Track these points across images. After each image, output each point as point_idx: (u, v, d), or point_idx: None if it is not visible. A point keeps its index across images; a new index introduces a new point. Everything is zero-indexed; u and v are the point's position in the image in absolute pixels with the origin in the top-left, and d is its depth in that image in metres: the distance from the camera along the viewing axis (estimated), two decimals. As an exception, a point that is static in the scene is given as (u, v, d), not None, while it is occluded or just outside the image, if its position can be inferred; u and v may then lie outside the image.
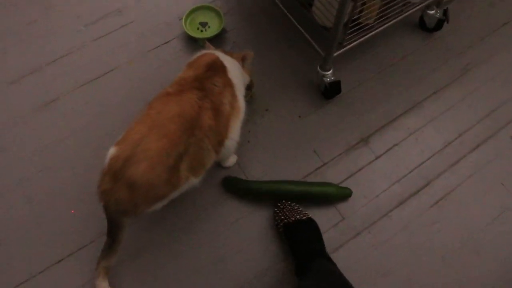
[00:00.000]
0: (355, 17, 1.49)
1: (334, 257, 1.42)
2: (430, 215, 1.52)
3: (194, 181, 1.27)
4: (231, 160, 1.56)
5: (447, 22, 1.78)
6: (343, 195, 1.52)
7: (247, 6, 1.91)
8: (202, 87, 1.25)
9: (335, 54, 1.53)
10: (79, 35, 1.82)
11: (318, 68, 1.61)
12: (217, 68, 1.32)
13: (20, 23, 1.86)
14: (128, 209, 1.16)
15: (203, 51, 1.42)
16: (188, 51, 1.78)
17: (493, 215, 1.52)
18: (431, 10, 1.75)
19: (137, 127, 1.17)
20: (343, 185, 1.54)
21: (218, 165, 1.54)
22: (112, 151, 1.15)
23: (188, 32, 1.77)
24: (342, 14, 1.33)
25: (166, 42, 1.80)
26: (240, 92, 1.38)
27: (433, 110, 1.69)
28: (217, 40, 1.80)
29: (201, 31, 1.80)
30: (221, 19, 1.81)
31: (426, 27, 1.83)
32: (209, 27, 1.81)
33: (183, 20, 1.79)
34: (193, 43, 1.80)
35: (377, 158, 1.60)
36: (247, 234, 1.47)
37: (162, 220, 1.48)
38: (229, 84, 1.32)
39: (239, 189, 1.51)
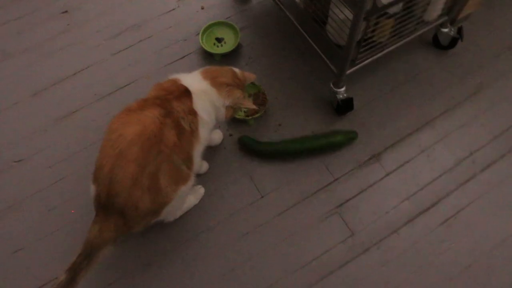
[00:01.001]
0: (368, 36, 1.52)
1: (342, 272, 1.44)
2: (439, 233, 1.52)
3: (185, 188, 1.29)
4: (203, 167, 1.59)
5: (461, 40, 1.79)
6: (350, 139, 1.64)
7: (263, 23, 1.95)
8: (164, 106, 1.23)
9: (348, 71, 1.56)
10: (99, 50, 1.89)
11: (331, 85, 1.63)
12: (179, 94, 1.29)
13: (43, 38, 1.93)
14: (125, 231, 1.21)
15: (173, 76, 1.37)
16: (205, 65, 1.82)
17: (504, 237, 1.52)
18: (445, 28, 1.76)
19: (104, 159, 1.16)
20: (353, 201, 1.56)
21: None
22: (92, 190, 1.19)
23: (205, 47, 1.82)
24: (355, 32, 1.36)
25: (182, 57, 1.85)
26: (203, 124, 1.33)
27: (445, 128, 1.70)
28: (232, 55, 1.84)
29: (217, 46, 1.85)
30: (237, 35, 1.85)
31: (440, 45, 1.84)
32: (225, 42, 1.86)
33: (200, 35, 1.84)
34: (209, 58, 1.84)
35: (387, 174, 1.61)
36: (257, 247, 1.50)
37: (170, 232, 1.52)
38: (191, 112, 1.29)
39: (253, 149, 1.62)
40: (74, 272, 1.15)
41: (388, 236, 1.52)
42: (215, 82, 1.36)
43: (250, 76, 1.49)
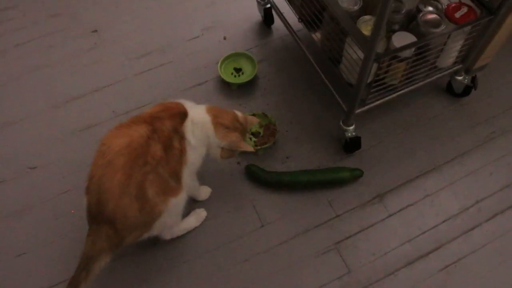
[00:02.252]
0: (379, 77, 1.55)
1: (335, 309, 1.44)
2: (437, 279, 1.50)
3: (176, 200, 1.32)
4: (204, 193, 1.64)
5: (475, 89, 1.80)
6: (356, 176, 1.67)
7: (281, 57, 2.01)
8: (152, 123, 1.28)
9: (358, 111, 1.59)
10: (123, 69, 1.97)
11: (341, 123, 1.66)
12: (174, 114, 1.34)
13: (70, 54, 2.03)
14: (117, 242, 1.23)
15: (181, 100, 1.43)
16: (221, 93, 1.89)
17: (505, 289, 1.50)
18: (459, 76, 1.78)
19: (93, 169, 1.21)
20: (353, 239, 1.56)
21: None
22: (84, 200, 1.23)
23: (222, 76, 1.88)
24: (365, 73, 1.39)
25: (200, 84, 1.92)
26: (193, 150, 1.37)
27: (453, 175, 1.70)
28: (249, 86, 1.90)
29: (235, 76, 1.91)
30: (254, 66, 1.92)
31: (454, 92, 1.86)
32: (242, 73, 1.92)
33: (219, 64, 1.91)
34: (226, 87, 1.91)
35: (390, 216, 1.61)
36: (254, 275, 1.51)
37: (168, 251, 1.55)
38: (179, 134, 1.33)
39: (259, 178, 1.66)
40: (75, 285, 1.20)
41: (385, 277, 1.50)
42: (215, 120, 1.41)
43: (253, 121, 1.55)
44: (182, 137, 1.33)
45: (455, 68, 1.70)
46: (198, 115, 1.40)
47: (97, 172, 1.20)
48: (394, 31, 1.52)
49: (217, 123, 1.41)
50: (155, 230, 1.33)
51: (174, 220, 1.41)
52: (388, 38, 1.52)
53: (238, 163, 1.72)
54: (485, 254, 1.55)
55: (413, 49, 1.49)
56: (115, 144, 1.21)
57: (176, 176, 1.33)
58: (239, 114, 1.50)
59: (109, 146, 1.22)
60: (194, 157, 1.38)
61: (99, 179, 1.19)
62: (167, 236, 1.51)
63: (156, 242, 1.54)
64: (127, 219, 1.21)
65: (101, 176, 1.19)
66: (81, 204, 1.58)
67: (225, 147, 1.42)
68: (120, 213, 1.19)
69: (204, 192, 1.64)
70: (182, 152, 1.33)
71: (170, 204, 1.30)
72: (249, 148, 1.44)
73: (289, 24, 1.85)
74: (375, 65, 1.46)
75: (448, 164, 1.72)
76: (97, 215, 1.20)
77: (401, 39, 1.48)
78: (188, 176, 1.38)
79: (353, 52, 1.50)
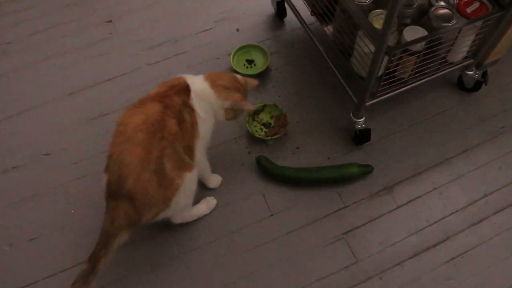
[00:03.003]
0: (390, 70, 1.57)
1: (342, 298, 1.47)
2: (444, 270, 1.52)
3: (190, 175, 1.35)
4: (215, 181, 1.66)
5: (486, 84, 1.81)
6: (366, 172, 1.68)
7: (293, 49, 2.03)
8: (163, 101, 1.32)
9: (368, 103, 1.61)
10: (136, 59, 2.00)
11: (351, 115, 1.68)
12: (180, 90, 1.38)
13: (85, 43, 2.07)
14: (136, 218, 1.26)
15: (181, 75, 1.46)
16: (232, 84, 1.91)
17: (511, 282, 1.51)
18: (470, 71, 1.79)
19: (112, 148, 1.26)
20: (361, 230, 1.59)
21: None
22: (104, 178, 1.27)
23: (235, 68, 1.91)
24: (376, 66, 1.41)
25: (212, 74, 1.94)
26: (202, 121, 1.41)
27: (461, 168, 1.71)
28: (261, 78, 1.91)
29: (247, 67, 1.93)
30: (267, 58, 1.94)
31: (464, 87, 1.87)
32: (254, 64, 1.94)
33: (231, 56, 1.93)
34: (238, 77, 1.93)
35: (398, 207, 1.63)
36: (262, 263, 1.54)
37: (179, 237, 1.58)
38: (189, 107, 1.37)
39: (268, 172, 1.67)
40: (94, 260, 1.24)
41: (392, 267, 1.52)
42: (214, 84, 1.44)
43: (253, 82, 1.56)
44: (192, 110, 1.37)
45: (465, 62, 1.71)
46: (198, 85, 1.43)
47: (116, 149, 1.24)
48: (405, 25, 1.53)
49: (216, 86, 1.44)
50: (170, 210, 1.35)
51: (188, 199, 1.43)
52: (400, 32, 1.53)
53: (249, 152, 1.74)
54: (492, 247, 1.56)
55: (424, 43, 1.50)
56: (132, 121, 1.26)
57: (190, 150, 1.37)
58: (238, 76, 1.53)
59: (126, 124, 1.26)
60: (204, 128, 1.42)
61: (119, 155, 1.22)
62: (178, 220, 1.53)
63: (166, 228, 1.57)
64: (147, 194, 1.24)
65: (120, 152, 1.22)
66: (94, 190, 1.65)
67: (228, 107, 1.46)
68: (140, 188, 1.22)
69: (215, 180, 1.67)
70: (194, 124, 1.38)
71: (186, 179, 1.34)
72: (250, 106, 1.48)
73: (301, 17, 1.86)
74: (386, 58, 1.47)
75: (457, 158, 1.73)
76: (117, 191, 1.23)
77: (412, 33, 1.49)
78: (200, 150, 1.43)
79: (364, 46, 1.52)
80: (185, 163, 1.35)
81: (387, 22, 1.25)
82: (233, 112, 1.48)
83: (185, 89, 1.40)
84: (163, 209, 1.33)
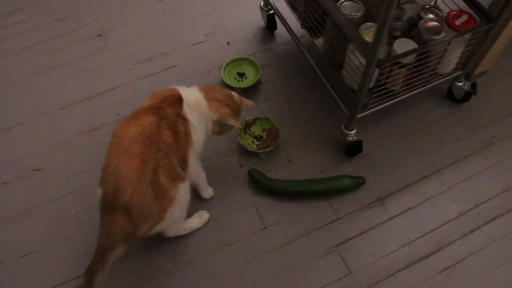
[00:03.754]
0: (381, 83, 1.58)
1: (336, 310, 1.46)
2: (437, 281, 1.52)
3: (183, 186, 1.36)
4: (209, 192, 1.66)
5: (475, 95, 1.83)
6: (358, 184, 1.68)
7: (284, 62, 2.04)
8: (157, 113, 1.33)
9: (359, 115, 1.62)
10: (127, 73, 2.00)
11: (342, 127, 1.69)
12: (172, 101, 1.39)
13: (76, 57, 2.06)
14: (131, 231, 1.25)
15: (172, 86, 1.47)
16: (224, 97, 1.91)
17: (504, 292, 1.52)
18: (460, 82, 1.81)
19: (108, 161, 1.26)
20: (354, 241, 1.59)
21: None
22: (99, 192, 1.26)
23: (226, 81, 1.91)
24: (367, 78, 1.42)
25: (204, 88, 1.94)
26: (195, 130, 1.42)
27: (452, 178, 1.72)
28: (252, 91, 1.93)
29: (238, 80, 1.94)
30: (257, 71, 1.94)
31: (454, 98, 1.89)
32: (245, 77, 1.95)
33: (222, 69, 1.94)
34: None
35: (390, 219, 1.64)
36: (255, 276, 1.53)
37: (172, 252, 1.57)
38: (182, 117, 1.39)
39: (261, 184, 1.67)
40: (91, 274, 1.23)
41: (385, 278, 1.52)
42: (208, 95, 1.47)
43: (247, 103, 1.57)
44: (184, 120, 1.39)
45: (455, 74, 1.73)
46: (191, 95, 1.45)
47: (112, 162, 1.24)
48: (395, 38, 1.55)
49: (209, 97, 1.46)
50: (165, 222, 1.34)
51: (181, 211, 1.43)
52: (390, 45, 1.55)
53: (241, 166, 1.74)
54: (485, 257, 1.57)
55: (414, 55, 1.51)
56: (128, 133, 1.27)
57: (184, 162, 1.38)
58: (234, 94, 1.55)
59: (122, 136, 1.27)
60: (198, 137, 1.44)
61: (115, 167, 1.22)
62: (171, 233, 1.53)
63: (159, 242, 1.56)
64: (143, 206, 1.23)
65: (117, 164, 1.23)
66: (85, 205, 1.64)
67: (216, 120, 1.47)
68: (137, 199, 1.22)
69: (209, 191, 1.67)
70: (187, 134, 1.39)
71: (180, 190, 1.34)
72: (237, 124, 1.49)
73: (292, 30, 1.87)
74: (376, 71, 1.49)
75: (448, 168, 1.74)
76: (113, 203, 1.22)
77: (403, 45, 1.51)
78: (193, 160, 1.44)
79: (355, 58, 1.53)
80: (178, 175, 1.35)
81: (377, 35, 1.26)
82: (219, 126, 1.49)
83: (178, 100, 1.41)
84: (158, 222, 1.32)
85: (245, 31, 2.14)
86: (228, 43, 2.10)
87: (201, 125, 1.45)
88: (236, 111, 1.52)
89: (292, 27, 1.88)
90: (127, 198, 1.21)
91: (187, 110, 1.41)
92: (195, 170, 1.50)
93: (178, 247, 1.57)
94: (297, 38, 1.85)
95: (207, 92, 1.47)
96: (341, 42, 1.63)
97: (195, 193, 1.48)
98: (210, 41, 2.11)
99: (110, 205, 1.23)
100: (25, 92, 1.95)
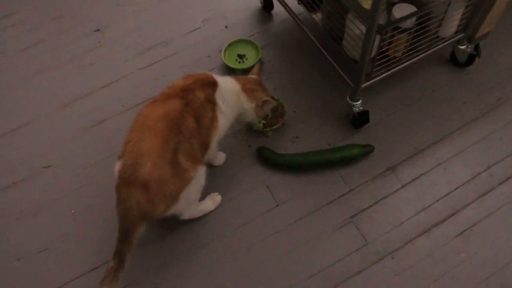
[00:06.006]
0: (382, 50, 1.57)
1: (355, 281, 1.46)
2: (455, 245, 1.52)
3: (202, 168, 1.39)
4: (220, 157, 1.71)
5: (479, 57, 1.81)
6: (367, 152, 1.68)
7: (283, 41, 2.03)
8: (185, 97, 1.36)
9: (364, 85, 1.61)
10: (127, 65, 2.00)
11: (348, 99, 1.68)
12: (205, 84, 1.44)
13: (76, 54, 2.06)
14: (148, 209, 1.26)
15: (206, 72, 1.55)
16: (226, 80, 1.91)
17: (522, 250, 1.51)
18: (462, 45, 1.79)
19: (131, 135, 1.30)
20: (368, 211, 1.58)
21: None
22: (117, 164, 1.28)
23: (227, 63, 1.91)
24: (368, 46, 1.41)
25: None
26: (223, 116, 1.48)
27: (462, 142, 1.71)
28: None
29: (239, 62, 1.93)
30: (258, 52, 1.94)
31: (458, 62, 1.87)
32: (246, 59, 1.94)
33: (223, 52, 1.93)
34: (231, 73, 1.92)
35: (403, 186, 1.63)
36: (272, 253, 1.53)
37: (187, 236, 1.57)
38: (212, 102, 1.44)
39: (270, 161, 1.68)
40: (120, 256, 1.26)
41: (403, 246, 1.52)
42: (245, 87, 1.56)
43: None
44: (214, 104, 1.44)
45: (457, 37, 1.71)
46: (228, 83, 1.54)
47: (135, 137, 1.28)
48: (394, 4, 1.54)
49: (246, 89, 1.56)
50: (180, 204, 1.36)
51: (196, 194, 1.45)
52: (389, 12, 1.54)
53: (249, 146, 1.74)
54: (501, 217, 1.56)
55: (414, 19, 1.50)
56: (153, 113, 1.32)
57: (205, 147, 1.43)
58: (256, 77, 1.66)
59: (147, 115, 1.32)
60: (223, 122, 1.50)
61: (137, 142, 1.26)
62: (186, 215, 1.53)
63: (174, 227, 1.57)
64: (162, 182, 1.25)
65: (139, 139, 1.26)
66: (97, 197, 1.64)
67: (258, 106, 1.57)
68: (156, 175, 1.23)
69: (220, 157, 1.70)
70: (214, 118, 1.44)
71: (198, 172, 1.37)
72: (272, 102, 1.58)
73: (289, 7, 1.86)
74: (378, 38, 1.48)
75: (457, 132, 1.73)
76: (131, 177, 1.24)
77: (402, 10, 1.49)
78: (215, 142, 1.49)
79: (355, 27, 1.52)
80: (197, 158, 1.38)
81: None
82: (260, 110, 1.59)
83: (212, 84, 1.47)
84: (174, 202, 1.33)
85: (242, 13, 2.13)
86: (226, 27, 2.09)
87: (230, 111, 1.52)
88: (266, 90, 1.63)
89: (289, 4, 1.86)
90: (146, 173, 1.22)
91: (220, 96, 1.46)
92: (214, 152, 1.59)
93: (192, 231, 1.58)
94: (295, 15, 1.83)
95: (244, 85, 1.56)
96: (340, 13, 1.61)
97: (206, 179, 1.49)
98: (208, 26, 2.10)
99: (128, 179, 1.24)
100: (28, 92, 1.95)
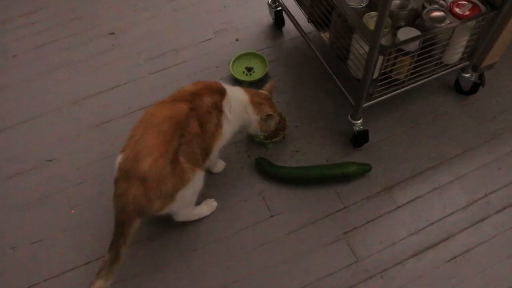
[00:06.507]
0: (385, 70, 1.59)
1: (343, 297, 1.46)
2: (446, 269, 1.51)
3: (200, 174, 1.42)
4: (220, 165, 1.73)
5: (483, 86, 1.83)
6: (364, 170, 1.69)
7: (292, 57, 2.07)
8: (192, 102, 1.41)
9: (365, 104, 1.63)
10: (138, 68, 2.05)
11: (349, 117, 1.70)
12: (214, 91, 1.48)
13: (89, 54, 2.12)
14: (144, 204, 1.28)
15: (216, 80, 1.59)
16: (232, 91, 1.95)
17: (515, 281, 1.50)
18: (467, 74, 1.81)
19: (135, 131, 1.34)
20: (361, 229, 1.59)
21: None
22: (119, 158, 1.32)
23: (234, 75, 1.95)
24: (371, 65, 1.43)
25: (213, 82, 1.98)
26: (228, 124, 1.52)
27: (461, 168, 1.71)
28: (259, 84, 1.94)
29: (246, 74, 1.97)
30: (265, 66, 1.98)
31: (462, 90, 1.89)
32: (254, 72, 1.98)
33: (231, 63, 1.98)
34: (238, 85, 1.95)
35: (398, 207, 1.63)
36: (262, 263, 1.54)
37: (180, 239, 1.59)
38: (219, 109, 1.48)
39: (268, 172, 1.70)
40: (115, 249, 1.29)
41: (393, 266, 1.52)
42: (253, 100, 1.59)
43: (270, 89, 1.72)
44: (220, 112, 1.48)
45: (461, 65, 1.74)
46: (237, 93, 1.58)
47: (139, 133, 1.33)
48: (400, 28, 1.57)
49: (254, 102, 1.59)
50: (176, 204, 1.38)
51: (193, 197, 1.48)
52: (394, 35, 1.57)
53: (249, 156, 1.76)
54: (494, 246, 1.56)
55: (417, 43, 1.53)
56: (160, 113, 1.36)
57: (206, 152, 1.46)
58: (265, 92, 1.69)
59: (154, 114, 1.37)
60: (228, 130, 1.53)
61: (141, 137, 1.31)
62: (181, 217, 1.55)
63: (167, 229, 1.59)
64: (160, 179, 1.28)
65: (143, 135, 1.31)
66: (95, 194, 1.67)
67: (261, 119, 1.60)
68: (154, 171, 1.26)
69: (219, 165, 1.72)
70: (219, 125, 1.48)
71: (197, 175, 1.40)
72: (276, 116, 1.62)
73: (299, 25, 1.90)
74: (381, 59, 1.50)
75: (456, 158, 1.74)
76: (131, 170, 1.27)
77: (407, 33, 1.52)
78: (217, 149, 1.52)
79: (360, 47, 1.55)
80: (198, 162, 1.41)
81: (379, 20, 1.28)
82: (264, 124, 1.61)
83: (221, 92, 1.51)
84: (170, 201, 1.36)
85: (254, 28, 2.18)
86: (237, 40, 2.14)
87: (235, 120, 1.56)
88: (274, 106, 1.66)
89: (300, 23, 1.90)
90: (146, 168, 1.26)
91: (227, 104, 1.50)
92: (214, 159, 1.61)
93: (185, 235, 1.59)
94: (305, 33, 1.87)
95: (252, 96, 1.60)
96: (346, 33, 1.65)
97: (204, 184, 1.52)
98: (219, 38, 2.15)
99: (127, 172, 1.27)
100: (40, 88, 2.01)
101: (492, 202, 1.64)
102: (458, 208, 1.63)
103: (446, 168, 1.72)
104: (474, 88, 1.85)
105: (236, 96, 1.56)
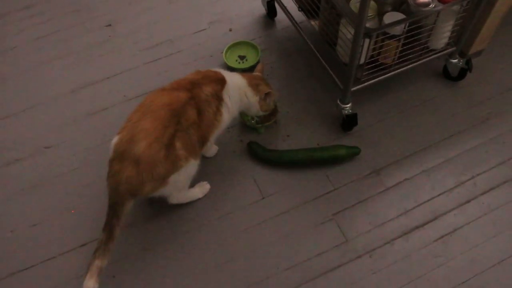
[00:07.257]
0: (372, 54, 1.63)
1: (332, 276, 1.50)
2: (434, 248, 1.55)
3: (194, 162, 1.45)
4: (212, 150, 1.77)
5: (470, 72, 1.86)
6: (353, 153, 1.72)
7: (283, 46, 2.11)
8: (191, 90, 1.45)
9: (354, 88, 1.67)
10: (133, 59, 2.10)
11: (338, 101, 1.74)
12: (214, 80, 1.53)
13: (86, 45, 2.17)
14: (136, 186, 1.32)
15: (216, 69, 1.63)
16: (226, 79, 1.99)
17: (500, 259, 1.53)
18: (454, 59, 1.85)
19: (133, 115, 1.39)
20: (350, 211, 1.63)
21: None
22: (115, 139, 1.36)
23: (227, 63, 1.99)
24: (356, 47, 1.47)
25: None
26: (228, 111, 1.57)
27: (449, 151, 1.75)
28: (252, 72, 1.97)
29: (239, 62, 2.02)
30: (258, 54, 2.02)
31: (450, 76, 1.92)
32: (246, 60, 2.02)
33: (224, 52, 2.02)
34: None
35: (387, 189, 1.67)
36: (254, 243, 1.58)
37: (173, 221, 1.63)
38: (218, 98, 1.52)
39: (259, 156, 1.74)
40: (109, 228, 1.34)
41: (382, 246, 1.56)
42: (251, 83, 1.65)
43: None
44: (220, 100, 1.52)
45: (448, 50, 1.77)
46: (235, 80, 1.62)
47: (136, 117, 1.37)
48: (386, 12, 1.61)
49: (252, 84, 1.65)
50: (168, 187, 1.42)
51: (185, 182, 1.52)
52: (381, 20, 1.60)
53: (241, 140, 1.80)
54: (481, 225, 1.59)
55: (403, 26, 1.56)
56: (159, 100, 1.41)
57: (203, 140, 1.50)
58: (259, 74, 1.76)
59: (153, 100, 1.41)
60: (227, 117, 1.58)
61: (138, 121, 1.35)
62: (174, 200, 1.59)
63: (160, 211, 1.64)
64: (153, 162, 1.32)
65: (140, 119, 1.35)
66: (91, 179, 1.72)
67: (261, 98, 1.65)
68: (149, 154, 1.30)
69: (212, 149, 1.76)
70: (218, 113, 1.52)
71: (190, 163, 1.44)
72: (274, 93, 1.68)
73: (291, 15, 1.94)
74: (367, 42, 1.54)
75: (444, 142, 1.78)
76: (125, 152, 1.31)
77: (392, 18, 1.55)
78: (214, 137, 1.60)
79: (347, 32, 1.59)
80: (193, 149, 1.45)
81: (363, 2, 1.32)
82: (264, 103, 1.66)
83: (220, 81, 1.55)
84: (162, 185, 1.39)
85: (247, 18, 2.22)
86: (230, 30, 2.18)
87: (235, 107, 1.61)
88: (269, 85, 1.71)
89: (292, 12, 1.94)
90: (140, 150, 1.30)
91: (227, 92, 1.55)
92: (210, 145, 1.65)
93: (178, 216, 1.63)
94: (296, 22, 1.91)
95: (250, 80, 1.65)
96: (335, 19, 1.68)
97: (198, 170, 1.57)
98: (213, 28, 2.19)
99: (122, 153, 1.32)
100: (38, 78, 2.06)
101: (479, 183, 1.68)
102: (445, 190, 1.67)
103: (434, 151, 1.76)
104: (462, 73, 1.88)
105: (235, 83, 1.60)
